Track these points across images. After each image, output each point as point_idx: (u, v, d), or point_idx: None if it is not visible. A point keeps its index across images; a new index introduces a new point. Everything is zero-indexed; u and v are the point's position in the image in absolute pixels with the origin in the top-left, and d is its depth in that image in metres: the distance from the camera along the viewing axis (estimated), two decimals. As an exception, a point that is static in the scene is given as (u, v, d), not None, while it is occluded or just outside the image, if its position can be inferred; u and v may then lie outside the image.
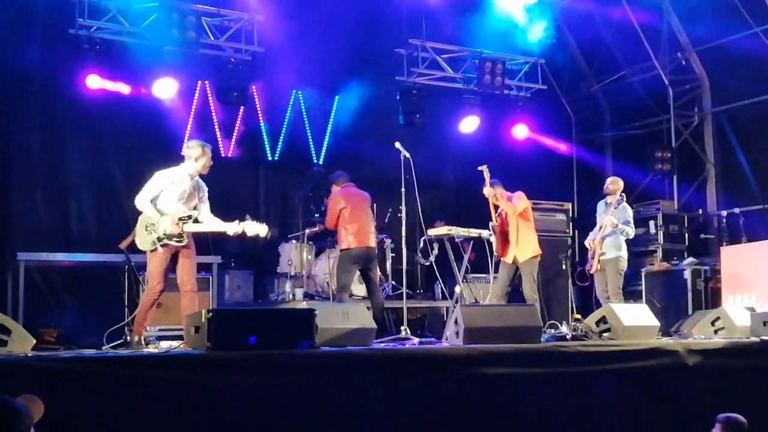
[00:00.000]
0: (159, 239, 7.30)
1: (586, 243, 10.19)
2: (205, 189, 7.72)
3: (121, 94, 10.59)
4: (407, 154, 8.48)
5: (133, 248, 7.94)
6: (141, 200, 7.41)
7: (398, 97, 12.20)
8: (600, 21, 13.74)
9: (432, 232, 9.80)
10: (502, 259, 9.66)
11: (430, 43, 12.16)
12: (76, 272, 10.39)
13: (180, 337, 7.05)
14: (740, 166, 12.85)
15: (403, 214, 8.58)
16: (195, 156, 7.53)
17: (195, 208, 7.57)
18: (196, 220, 7.49)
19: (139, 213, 7.45)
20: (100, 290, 10.17)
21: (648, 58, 13.31)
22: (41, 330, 7.96)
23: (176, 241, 7.35)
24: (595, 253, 9.90)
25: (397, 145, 8.62)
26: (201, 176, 7.67)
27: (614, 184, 10.16)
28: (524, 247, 9.61)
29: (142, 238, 7.39)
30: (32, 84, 10.47)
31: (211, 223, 7.62)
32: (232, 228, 7.50)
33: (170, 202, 7.45)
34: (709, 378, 7.09)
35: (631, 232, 10.07)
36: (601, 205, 10.26)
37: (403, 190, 8.57)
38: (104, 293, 10.03)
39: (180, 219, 7.36)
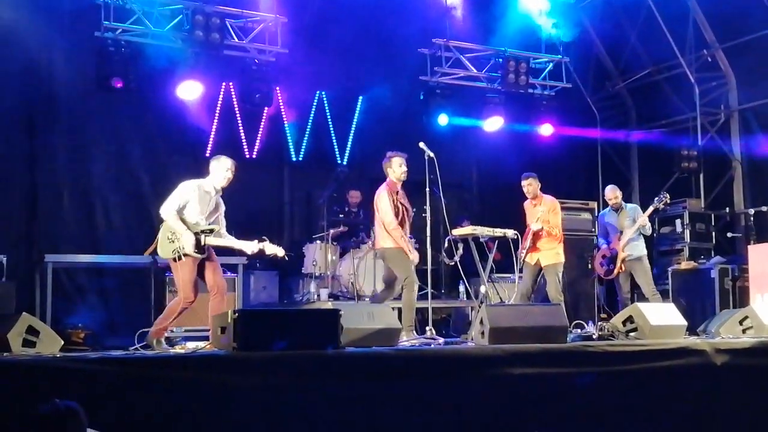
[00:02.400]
0: (181, 248, 7.29)
1: (605, 251, 10.17)
2: (223, 207, 7.75)
3: (146, 95, 10.64)
4: (431, 154, 8.46)
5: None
6: (167, 210, 7.37)
7: (422, 97, 12.18)
8: (625, 19, 13.68)
9: (456, 231, 9.77)
10: (525, 261, 9.63)
11: (454, 42, 12.13)
12: (102, 273, 10.47)
13: (206, 338, 7.08)
14: (767, 163, 12.73)
15: (428, 214, 8.54)
16: (223, 169, 7.59)
17: (212, 223, 7.59)
18: (216, 235, 7.52)
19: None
20: (126, 291, 10.25)
21: (674, 56, 13.23)
22: (69, 331, 8.02)
23: (197, 253, 7.34)
24: (619, 257, 9.94)
25: (422, 145, 8.59)
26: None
27: (618, 194, 10.24)
28: (548, 252, 9.62)
29: (164, 247, 7.35)
30: (58, 86, 10.55)
31: (230, 240, 7.67)
32: (251, 247, 7.59)
33: (193, 214, 7.44)
34: (738, 377, 7.03)
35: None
36: (608, 214, 10.36)
37: (427, 190, 8.56)
38: (131, 294, 10.10)
39: (202, 232, 7.38)
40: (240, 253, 7.88)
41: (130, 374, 5.40)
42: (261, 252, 7.64)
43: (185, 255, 7.27)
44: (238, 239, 7.67)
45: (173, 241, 7.31)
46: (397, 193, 8.56)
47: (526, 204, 9.93)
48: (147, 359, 5.90)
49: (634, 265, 10.02)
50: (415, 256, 8.52)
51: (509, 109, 12.64)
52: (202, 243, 7.36)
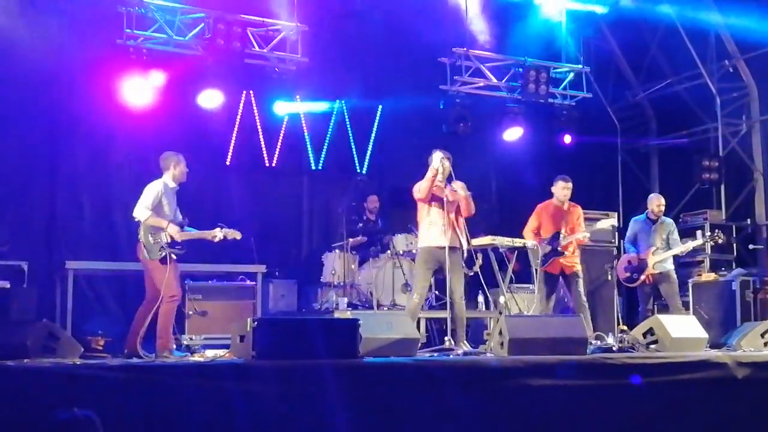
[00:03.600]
0: (167, 244, 7.48)
1: (632, 258, 10.02)
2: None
3: (166, 104, 10.68)
4: (446, 164, 8.30)
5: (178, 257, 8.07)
6: (143, 211, 7.56)
7: (442, 106, 12.16)
8: (645, 28, 13.62)
9: (476, 242, 9.73)
10: (547, 270, 9.47)
11: (474, 52, 12.11)
12: (123, 280, 10.49)
13: (226, 346, 7.10)
14: (789, 174, 12.66)
15: (446, 223, 8.46)
16: (181, 164, 7.90)
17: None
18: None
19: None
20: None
21: (695, 66, 13.16)
22: (89, 338, 8.06)
23: (178, 250, 7.55)
24: (647, 270, 9.81)
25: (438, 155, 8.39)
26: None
27: (663, 204, 10.11)
28: (574, 260, 9.48)
29: (152, 249, 7.51)
30: (79, 94, 10.59)
31: (195, 232, 7.86)
32: (215, 234, 7.85)
33: (164, 212, 7.66)
34: (759, 391, 6.96)
35: None
36: (644, 222, 10.12)
37: (445, 200, 8.44)
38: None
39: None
40: (211, 240, 7.98)
41: (149, 382, 5.41)
42: (225, 237, 7.89)
43: (170, 254, 7.45)
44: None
45: (157, 240, 7.47)
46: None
47: (552, 208, 9.62)
48: (166, 367, 5.92)
49: (663, 279, 9.86)
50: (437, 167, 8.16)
51: (529, 119, 12.59)
52: (181, 238, 7.60)
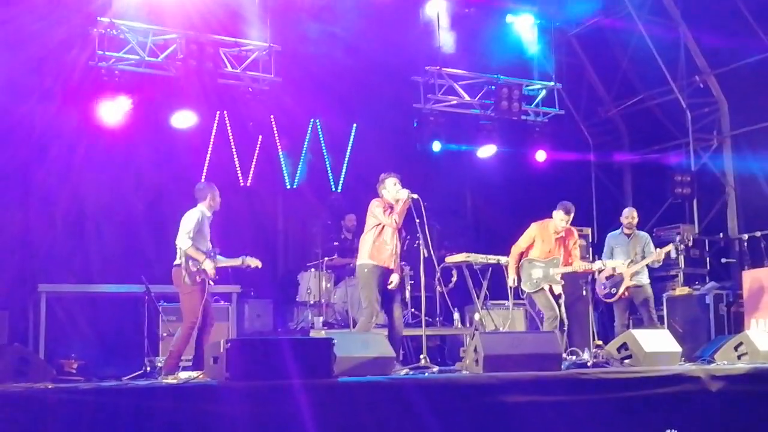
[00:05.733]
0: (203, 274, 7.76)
1: (607, 271, 10.03)
2: None
3: (140, 124, 10.65)
4: (415, 196, 8.28)
5: (152, 278, 8.11)
6: (185, 239, 7.80)
7: (415, 124, 12.21)
8: (617, 45, 13.75)
9: (450, 259, 9.75)
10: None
11: (447, 70, 12.18)
12: (96, 303, 10.42)
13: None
14: (761, 188, 12.76)
15: (421, 242, 8.47)
16: (217, 194, 8.18)
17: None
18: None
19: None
20: (120, 321, 10.20)
21: (666, 82, 13.29)
22: (61, 361, 7.99)
23: (212, 279, 7.85)
24: (624, 283, 9.85)
25: (405, 191, 8.35)
26: None
27: (635, 217, 10.17)
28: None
29: (190, 273, 7.74)
30: (51, 116, 10.53)
31: (224, 260, 8.11)
32: (237, 262, 8.21)
33: (201, 240, 7.91)
34: (733, 404, 7.00)
35: None
36: (619, 237, 10.21)
37: (417, 221, 8.37)
38: (124, 324, 10.04)
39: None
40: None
41: (122, 405, 5.37)
42: (247, 266, 8.24)
43: (207, 281, 7.80)
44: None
45: (197, 269, 7.75)
46: (391, 209, 8.32)
47: (549, 231, 9.36)
48: (140, 390, 5.87)
49: (638, 292, 9.92)
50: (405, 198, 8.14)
51: (503, 136, 12.68)
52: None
